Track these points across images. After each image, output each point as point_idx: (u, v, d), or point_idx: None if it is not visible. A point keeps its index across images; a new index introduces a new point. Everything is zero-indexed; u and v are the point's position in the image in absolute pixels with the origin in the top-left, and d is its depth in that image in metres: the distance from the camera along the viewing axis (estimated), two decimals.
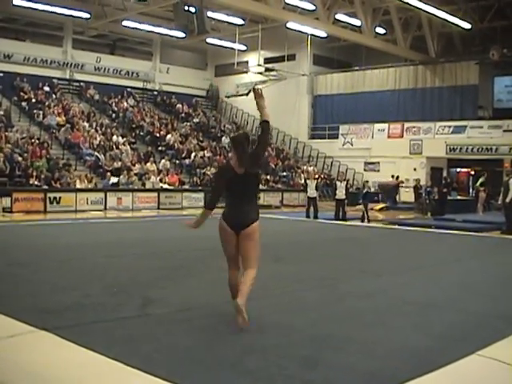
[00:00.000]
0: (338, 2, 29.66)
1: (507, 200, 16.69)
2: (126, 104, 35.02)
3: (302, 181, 32.47)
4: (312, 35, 32.97)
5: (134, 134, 32.05)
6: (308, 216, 20.59)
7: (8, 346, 4.98)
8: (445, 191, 24.72)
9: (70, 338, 5.09)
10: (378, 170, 34.50)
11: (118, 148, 28.39)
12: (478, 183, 27.44)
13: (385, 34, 34.29)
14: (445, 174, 32.40)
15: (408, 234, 16.86)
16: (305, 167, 35.21)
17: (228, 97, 40.12)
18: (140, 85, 39.00)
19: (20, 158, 23.53)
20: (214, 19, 32.20)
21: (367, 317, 6.29)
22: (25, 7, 30.36)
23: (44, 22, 34.74)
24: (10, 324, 5.59)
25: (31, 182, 22.47)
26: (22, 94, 31.00)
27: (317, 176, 23.87)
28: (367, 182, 24.26)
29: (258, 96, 6.02)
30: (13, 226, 17.06)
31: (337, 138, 36.53)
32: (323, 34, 32.32)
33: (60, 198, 21.93)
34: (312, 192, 20.69)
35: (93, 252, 11.00)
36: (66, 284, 7.69)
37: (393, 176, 31.62)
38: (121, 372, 4.35)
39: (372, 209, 27.75)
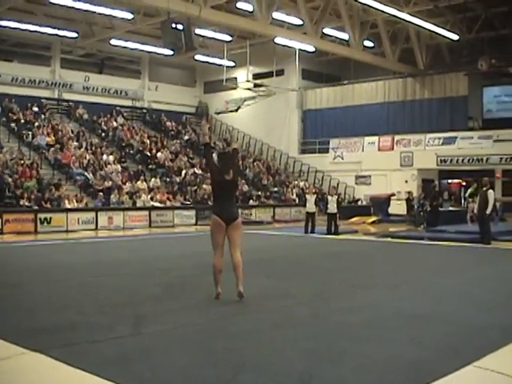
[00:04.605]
0: (326, 17, 29.73)
1: (487, 211, 16.57)
2: (115, 123, 34.97)
3: (294, 196, 32.49)
4: (300, 50, 33.06)
5: (123, 153, 31.99)
6: (306, 231, 20.45)
7: (0, 369, 4.92)
8: (435, 203, 24.66)
9: (63, 358, 5.03)
10: (370, 183, 34.50)
11: (107, 167, 28.31)
12: (467, 193, 27.36)
13: (373, 47, 34.44)
14: (433, 185, 32.39)
15: (401, 246, 16.85)
16: (296, 182, 35.21)
17: (217, 113, 40.20)
18: (129, 103, 39.00)
19: (10, 179, 23.44)
20: (201, 36, 32.31)
21: (360, 330, 6.26)
22: (12, 28, 30.39)
23: (32, 42, 34.80)
24: (1, 346, 5.53)
25: (21, 202, 22.35)
26: (10, 114, 30.91)
27: (314, 191, 23.67)
28: None
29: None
30: (4, 247, 16.93)
31: (327, 152, 36.56)
32: (311, 49, 32.47)
33: (51, 218, 21.80)
34: (311, 207, 20.54)
35: (85, 271, 10.93)
36: (58, 304, 7.62)
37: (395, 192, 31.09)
38: None
39: (364, 222, 27.79)
